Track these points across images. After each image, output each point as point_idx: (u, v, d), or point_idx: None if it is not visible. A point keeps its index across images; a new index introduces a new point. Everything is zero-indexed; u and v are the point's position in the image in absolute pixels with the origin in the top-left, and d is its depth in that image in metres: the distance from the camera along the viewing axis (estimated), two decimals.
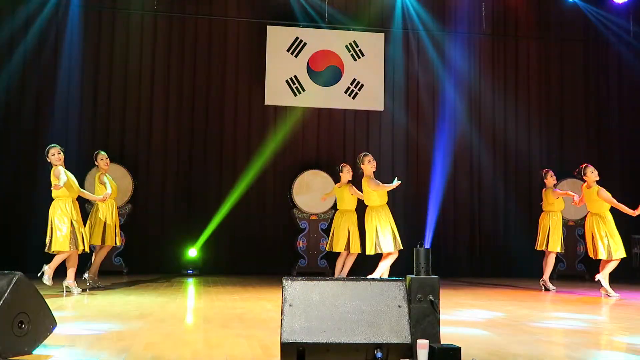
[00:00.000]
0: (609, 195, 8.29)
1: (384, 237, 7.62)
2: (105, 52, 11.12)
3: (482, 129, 12.16)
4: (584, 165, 8.50)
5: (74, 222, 7.08)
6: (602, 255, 8.14)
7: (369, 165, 7.89)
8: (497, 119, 12.26)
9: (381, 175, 11.69)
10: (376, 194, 7.77)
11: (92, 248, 8.11)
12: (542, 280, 8.83)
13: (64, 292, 7.19)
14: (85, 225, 7.63)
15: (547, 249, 8.89)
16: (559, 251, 9.00)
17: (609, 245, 8.09)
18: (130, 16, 11.20)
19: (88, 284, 7.85)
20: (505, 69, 12.38)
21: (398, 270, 7.53)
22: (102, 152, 8.29)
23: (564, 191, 9.08)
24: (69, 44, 10.91)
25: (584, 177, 8.43)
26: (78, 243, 7.09)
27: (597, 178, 8.35)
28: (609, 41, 12.38)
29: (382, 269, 7.81)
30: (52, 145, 7.28)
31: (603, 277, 8.10)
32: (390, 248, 7.62)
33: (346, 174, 8.88)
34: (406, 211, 11.26)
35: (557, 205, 8.99)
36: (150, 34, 11.27)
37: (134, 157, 10.95)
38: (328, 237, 10.84)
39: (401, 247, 7.79)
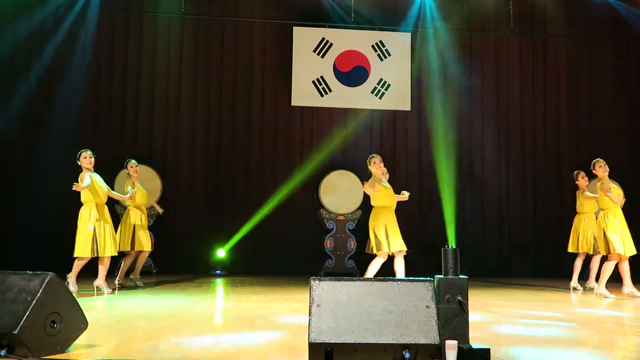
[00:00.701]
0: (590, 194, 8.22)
1: (389, 237, 7.44)
2: (133, 55, 11.26)
3: (510, 128, 12.06)
4: (594, 161, 8.23)
5: (96, 228, 7.13)
6: (619, 249, 7.78)
7: (374, 167, 7.72)
8: (526, 118, 12.15)
9: (408, 176, 11.70)
10: (379, 194, 7.59)
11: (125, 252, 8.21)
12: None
13: (95, 292, 7.28)
14: (116, 230, 7.74)
15: (593, 252, 8.49)
16: (587, 252, 8.69)
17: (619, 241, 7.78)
18: (157, 19, 11.32)
19: (117, 285, 7.94)
20: (534, 68, 12.25)
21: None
22: (132, 161, 8.38)
23: (594, 195, 8.77)
24: (96, 47, 11.07)
25: (593, 172, 8.19)
26: (99, 248, 7.13)
27: (605, 173, 8.00)
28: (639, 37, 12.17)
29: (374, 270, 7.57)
30: (84, 149, 7.38)
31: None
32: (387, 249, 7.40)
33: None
34: (433, 210, 11.19)
35: (588, 207, 8.78)
36: (177, 37, 11.38)
37: (163, 159, 11.06)
38: (355, 238, 10.87)
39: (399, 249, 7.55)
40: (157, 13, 11.31)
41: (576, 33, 12.18)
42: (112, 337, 4.42)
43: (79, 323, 3.83)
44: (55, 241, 9.67)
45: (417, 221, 11.20)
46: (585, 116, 12.24)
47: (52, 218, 10.27)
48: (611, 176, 11.45)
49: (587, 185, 8.85)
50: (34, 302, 3.52)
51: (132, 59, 11.25)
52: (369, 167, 7.73)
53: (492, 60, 12.11)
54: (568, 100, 12.24)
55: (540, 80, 12.23)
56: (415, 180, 11.68)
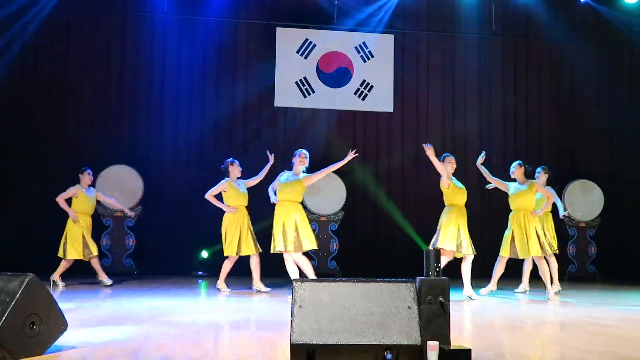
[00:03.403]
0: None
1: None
2: (115, 54, 11.19)
3: (492, 130, 12.12)
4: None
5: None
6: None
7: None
8: (507, 121, 12.21)
9: (391, 177, 11.73)
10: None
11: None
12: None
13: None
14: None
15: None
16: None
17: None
18: (140, 18, 11.26)
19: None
20: (516, 70, 12.32)
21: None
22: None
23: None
24: (80, 45, 11.02)
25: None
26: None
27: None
28: (621, 41, 12.28)
29: None
30: (86, 167, 8.77)
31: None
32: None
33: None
34: (417, 212, 11.23)
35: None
36: (160, 36, 11.32)
37: (145, 159, 10.99)
38: (337, 239, 10.88)
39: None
40: (140, 12, 11.25)
41: (559, 35, 12.23)
42: (93, 339, 4.39)
43: (59, 324, 3.81)
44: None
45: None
46: (568, 118, 12.32)
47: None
48: (594, 180, 11.60)
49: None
50: (12, 303, 3.49)
51: (114, 58, 11.18)
52: (443, 164, 7.67)
53: (474, 62, 12.16)
54: (550, 102, 12.32)
55: (522, 83, 12.30)
56: (399, 182, 11.71)
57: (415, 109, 11.96)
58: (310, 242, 7.51)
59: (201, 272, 10.75)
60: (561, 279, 11.22)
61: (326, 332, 3.37)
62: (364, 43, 11.77)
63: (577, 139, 12.29)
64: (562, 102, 12.37)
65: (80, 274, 9.33)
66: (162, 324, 5.18)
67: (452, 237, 7.52)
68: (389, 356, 3.32)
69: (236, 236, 8.11)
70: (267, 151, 8.40)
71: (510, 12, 12.18)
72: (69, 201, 8.63)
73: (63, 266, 8.54)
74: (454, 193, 7.70)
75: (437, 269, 3.80)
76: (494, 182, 8.27)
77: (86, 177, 8.76)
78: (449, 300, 3.71)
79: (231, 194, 8.18)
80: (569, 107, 12.36)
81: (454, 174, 7.85)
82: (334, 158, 11.30)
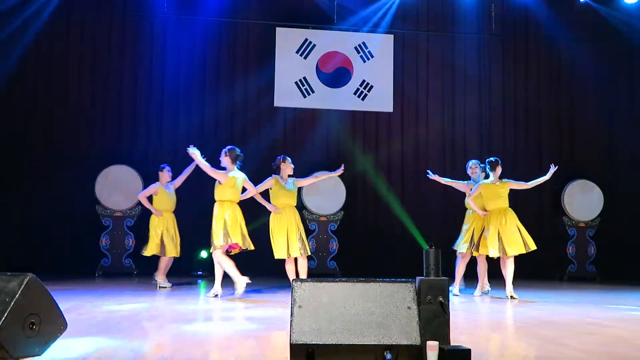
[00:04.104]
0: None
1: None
2: (115, 54, 11.18)
3: (492, 130, 12.11)
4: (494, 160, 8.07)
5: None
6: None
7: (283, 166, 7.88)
8: (507, 121, 12.21)
9: (390, 176, 11.72)
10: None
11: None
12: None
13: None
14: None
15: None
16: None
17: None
18: (140, 19, 11.26)
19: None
20: (515, 70, 12.31)
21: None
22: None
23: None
24: (78, 46, 11.02)
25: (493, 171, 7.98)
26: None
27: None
28: (620, 41, 12.27)
29: None
30: (165, 165, 8.86)
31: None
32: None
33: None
34: (417, 212, 11.22)
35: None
36: (160, 36, 11.32)
37: (145, 160, 10.98)
38: (337, 239, 10.88)
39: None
40: (139, 13, 11.25)
41: (558, 35, 12.23)
42: (92, 339, 4.39)
43: (59, 324, 3.80)
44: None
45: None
46: (567, 118, 12.32)
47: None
48: (594, 180, 11.56)
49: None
50: (12, 303, 3.48)
51: (114, 58, 11.17)
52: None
53: (473, 62, 12.15)
54: (549, 103, 12.32)
55: (521, 83, 12.30)
56: (399, 182, 11.71)
57: (414, 109, 11.96)
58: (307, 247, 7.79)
59: (200, 272, 10.75)
60: (561, 278, 11.28)
61: (326, 332, 3.36)
62: (363, 43, 11.77)
63: (577, 139, 12.28)
64: (561, 102, 12.36)
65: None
66: (162, 324, 5.18)
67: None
68: (388, 356, 3.32)
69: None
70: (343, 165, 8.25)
71: (509, 12, 12.18)
72: (149, 199, 8.73)
73: (165, 264, 8.57)
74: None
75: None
76: (453, 184, 8.41)
77: (165, 174, 8.76)
78: (449, 300, 3.71)
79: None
80: (569, 107, 12.36)
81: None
82: (334, 158, 11.39)
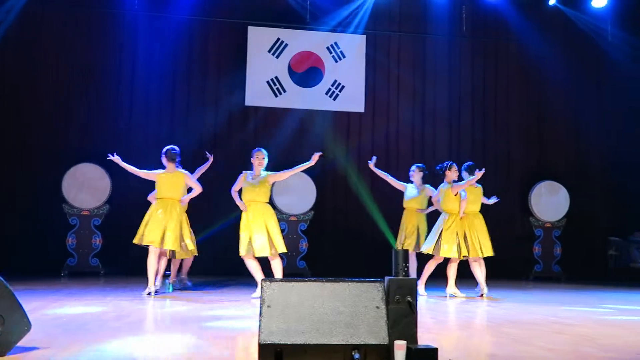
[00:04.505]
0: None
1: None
2: (84, 51, 11.02)
3: (461, 131, 12.22)
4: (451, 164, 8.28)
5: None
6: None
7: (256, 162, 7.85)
8: (476, 122, 12.33)
9: (361, 177, 11.75)
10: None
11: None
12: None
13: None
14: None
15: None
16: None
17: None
18: (109, 15, 11.11)
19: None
20: (485, 72, 12.44)
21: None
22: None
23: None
24: (45, 41, 10.85)
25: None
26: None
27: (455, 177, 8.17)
28: (588, 44, 12.47)
29: None
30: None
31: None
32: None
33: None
34: (386, 213, 11.26)
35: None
36: (130, 34, 11.19)
37: None
38: (307, 239, 10.87)
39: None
40: (109, 9, 11.10)
41: (528, 38, 12.36)
42: (57, 340, 4.33)
43: (22, 325, 3.74)
44: None
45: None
46: (535, 120, 12.48)
47: None
48: (560, 182, 11.76)
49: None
50: None
51: (82, 55, 11.00)
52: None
53: (444, 64, 12.25)
54: (519, 104, 12.47)
55: (491, 84, 12.43)
56: (369, 181, 11.74)
57: (386, 110, 12.01)
58: (282, 245, 7.50)
59: (168, 273, 10.64)
60: (527, 278, 11.44)
61: (294, 332, 3.36)
62: (335, 43, 11.79)
63: (545, 141, 12.46)
64: (530, 103, 12.52)
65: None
66: (128, 323, 5.13)
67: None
68: (356, 356, 3.33)
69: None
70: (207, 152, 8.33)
71: (480, 14, 12.30)
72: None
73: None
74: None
75: None
76: (392, 183, 8.61)
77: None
78: (417, 300, 3.73)
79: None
80: (537, 109, 12.52)
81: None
82: (305, 158, 11.35)
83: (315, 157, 7.65)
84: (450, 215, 8.08)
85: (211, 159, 8.29)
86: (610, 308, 7.17)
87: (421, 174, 8.86)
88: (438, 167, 8.37)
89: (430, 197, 8.68)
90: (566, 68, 12.44)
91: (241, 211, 7.65)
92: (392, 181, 8.78)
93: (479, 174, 7.93)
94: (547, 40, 12.36)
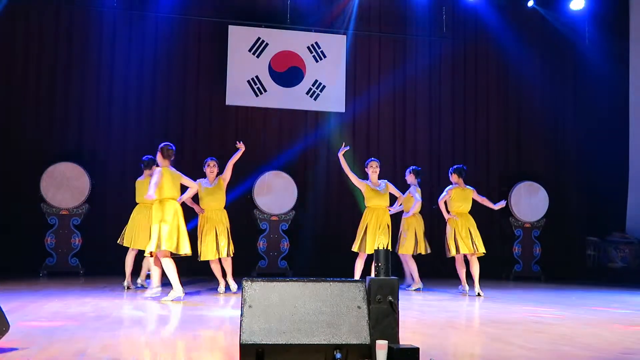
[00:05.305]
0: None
1: None
2: (62, 50, 10.92)
3: (441, 131, 12.28)
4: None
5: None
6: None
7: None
8: (456, 122, 12.40)
9: (342, 176, 11.74)
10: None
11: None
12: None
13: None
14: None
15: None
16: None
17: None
18: (88, 13, 11.01)
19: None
20: (465, 73, 12.52)
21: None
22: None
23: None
24: (24, 40, 10.72)
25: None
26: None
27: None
28: (566, 45, 12.61)
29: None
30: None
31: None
32: None
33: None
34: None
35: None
36: (109, 32, 11.09)
37: (92, 157, 10.76)
38: (288, 239, 10.87)
39: None
40: (88, 7, 11.01)
41: (507, 39, 12.46)
42: (37, 340, 4.28)
43: (1, 325, 3.69)
44: None
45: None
46: (515, 121, 12.60)
47: None
48: (539, 182, 11.90)
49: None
50: None
51: (61, 52, 10.90)
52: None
53: (424, 64, 12.30)
54: (498, 105, 12.57)
55: (471, 85, 12.51)
56: (349, 182, 11.75)
57: (366, 110, 12.03)
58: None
59: (149, 272, 10.56)
60: (507, 278, 11.53)
61: (276, 332, 3.36)
62: (316, 43, 11.79)
63: (523, 141, 12.58)
64: (509, 104, 12.63)
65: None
66: (108, 324, 5.09)
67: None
68: (338, 355, 3.34)
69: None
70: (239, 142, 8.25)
71: (460, 16, 12.40)
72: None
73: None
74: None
75: None
76: (351, 177, 8.72)
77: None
78: (399, 300, 3.75)
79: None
80: (516, 109, 12.65)
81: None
82: (286, 158, 11.37)
83: (240, 146, 8.00)
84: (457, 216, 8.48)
85: (242, 147, 8.08)
86: (588, 307, 7.25)
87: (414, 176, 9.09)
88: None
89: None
90: (544, 69, 12.60)
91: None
92: (353, 177, 8.68)
93: (500, 205, 8.67)
94: (526, 42, 12.49)
